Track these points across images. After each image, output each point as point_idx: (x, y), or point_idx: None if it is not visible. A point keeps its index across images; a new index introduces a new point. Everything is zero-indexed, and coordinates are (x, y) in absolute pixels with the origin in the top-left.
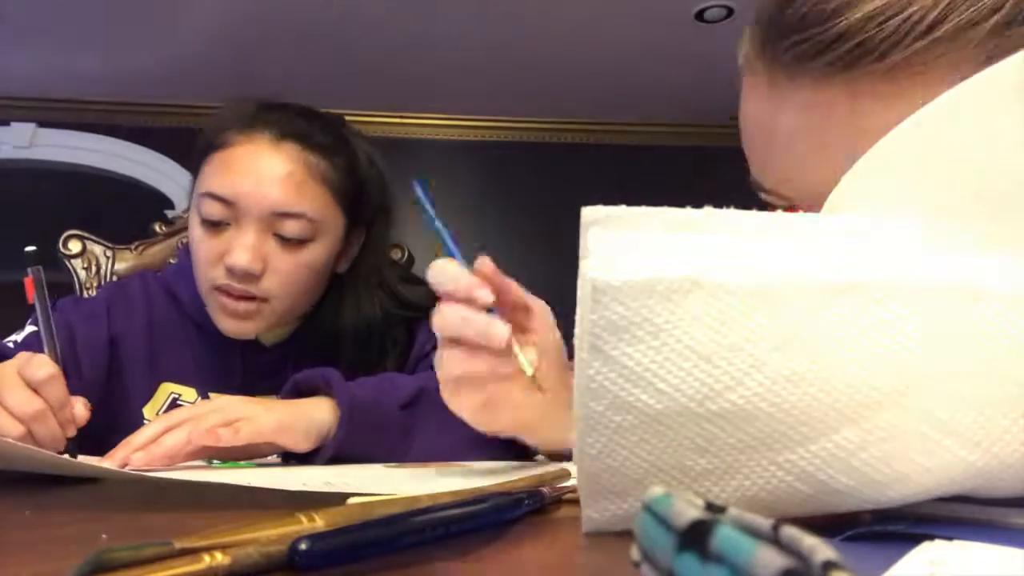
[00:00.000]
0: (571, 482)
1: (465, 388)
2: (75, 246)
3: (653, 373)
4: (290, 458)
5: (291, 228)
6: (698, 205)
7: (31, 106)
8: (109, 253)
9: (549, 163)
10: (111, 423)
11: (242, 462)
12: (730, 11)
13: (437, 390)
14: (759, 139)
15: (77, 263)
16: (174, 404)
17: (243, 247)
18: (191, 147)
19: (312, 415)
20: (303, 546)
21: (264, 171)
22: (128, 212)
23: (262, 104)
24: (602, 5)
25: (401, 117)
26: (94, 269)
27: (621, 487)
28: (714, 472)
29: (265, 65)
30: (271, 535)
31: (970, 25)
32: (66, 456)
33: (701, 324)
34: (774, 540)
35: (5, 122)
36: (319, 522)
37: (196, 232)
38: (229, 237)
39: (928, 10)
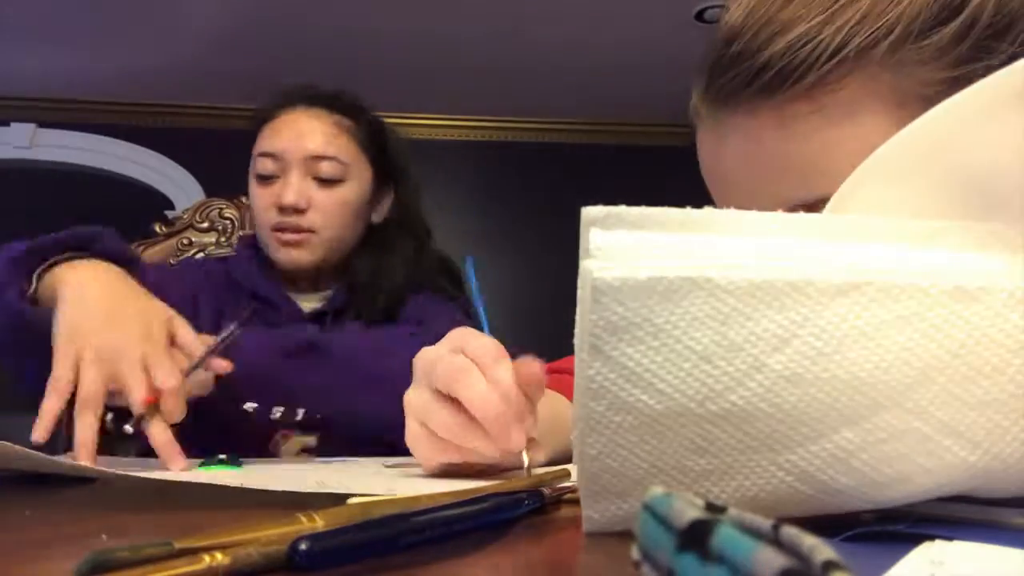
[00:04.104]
0: (571, 482)
1: (450, 449)
2: None
3: (653, 374)
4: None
5: (326, 169)
6: (698, 205)
7: (31, 106)
8: None
9: (549, 163)
10: None
11: (230, 464)
12: None
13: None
14: (713, 180)
15: None
16: None
17: (289, 189)
18: (191, 147)
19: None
20: (303, 546)
21: (302, 127)
22: (128, 212)
23: (298, 86)
24: (602, 5)
25: (401, 117)
26: None
27: (621, 487)
28: (714, 472)
29: (265, 65)
30: (271, 535)
31: (870, 46)
32: (65, 457)
33: (701, 324)
34: (774, 540)
35: (5, 122)
36: (319, 522)
37: (253, 188)
38: (279, 186)
39: (833, 36)
